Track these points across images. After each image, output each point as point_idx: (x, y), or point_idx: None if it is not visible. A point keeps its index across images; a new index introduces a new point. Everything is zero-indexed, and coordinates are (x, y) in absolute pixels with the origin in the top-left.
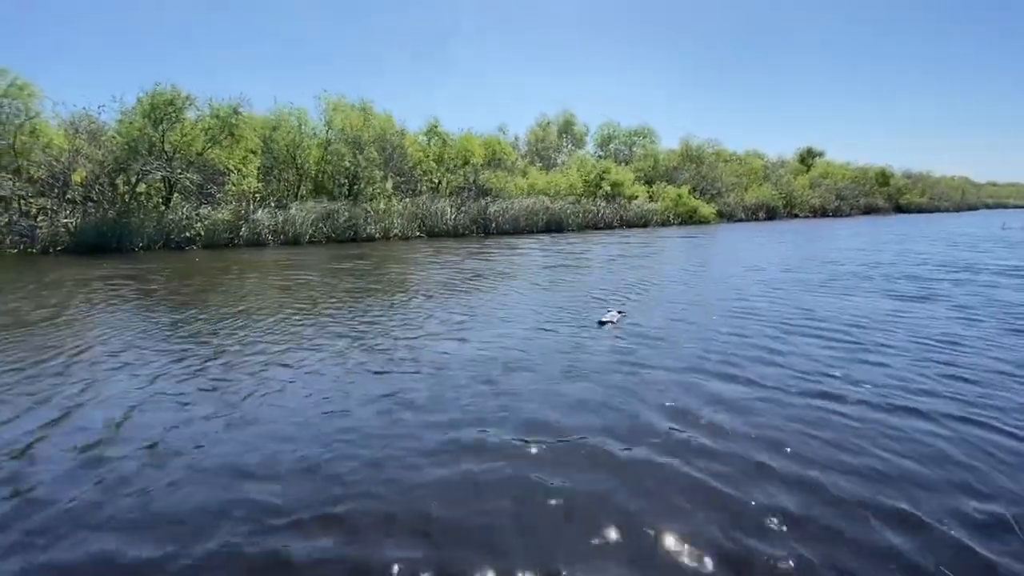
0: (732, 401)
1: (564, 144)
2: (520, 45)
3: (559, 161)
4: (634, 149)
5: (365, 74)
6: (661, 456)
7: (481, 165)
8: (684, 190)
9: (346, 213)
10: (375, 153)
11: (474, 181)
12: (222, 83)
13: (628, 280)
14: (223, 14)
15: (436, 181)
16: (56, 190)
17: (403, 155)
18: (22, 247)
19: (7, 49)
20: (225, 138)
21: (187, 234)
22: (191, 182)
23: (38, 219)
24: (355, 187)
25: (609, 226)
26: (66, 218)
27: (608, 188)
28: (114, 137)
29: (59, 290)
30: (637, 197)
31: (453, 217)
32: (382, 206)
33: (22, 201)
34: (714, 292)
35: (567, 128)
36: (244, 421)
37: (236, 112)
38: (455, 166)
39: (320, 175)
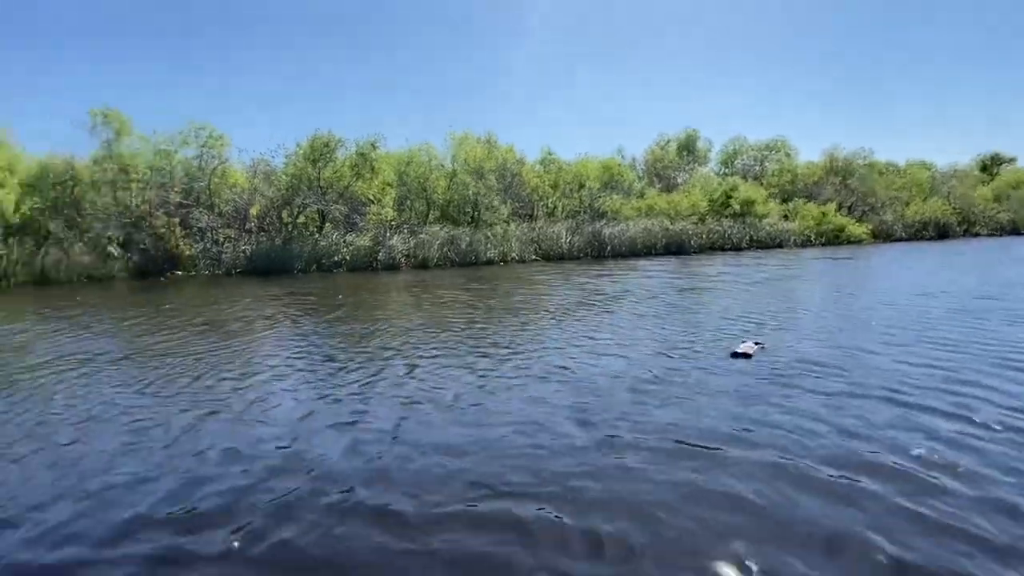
0: (941, 435)
1: (684, 162)
2: (641, 68)
3: (679, 180)
4: (766, 164)
5: (487, 102)
6: (856, 481)
7: (597, 188)
8: (830, 207)
9: (467, 238)
10: (494, 181)
11: (589, 204)
12: (363, 119)
13: (773, 305)
14: (364, 64)
15: (552, 205)
16: (238, 222)
17: (521, 183)
18: (211, 270)
19: (197, 99)
20: (367, 172)
21: (335, 258)
22: (340, 212)
23: (223, 246)
24: (476, 213)
25: (736, 247)
26: (244, 245)
27: (738, 206)
28: (282, 176)
29: (272, 303)
30: (768, 216)
31: (568, 240)
32: (500, 231)
33: (213, 231)
34: (885, 319)
35: (688, 145)
36: (456, 413)
37: (374, 147)
38: (570, 190)
39: (447, 204)
